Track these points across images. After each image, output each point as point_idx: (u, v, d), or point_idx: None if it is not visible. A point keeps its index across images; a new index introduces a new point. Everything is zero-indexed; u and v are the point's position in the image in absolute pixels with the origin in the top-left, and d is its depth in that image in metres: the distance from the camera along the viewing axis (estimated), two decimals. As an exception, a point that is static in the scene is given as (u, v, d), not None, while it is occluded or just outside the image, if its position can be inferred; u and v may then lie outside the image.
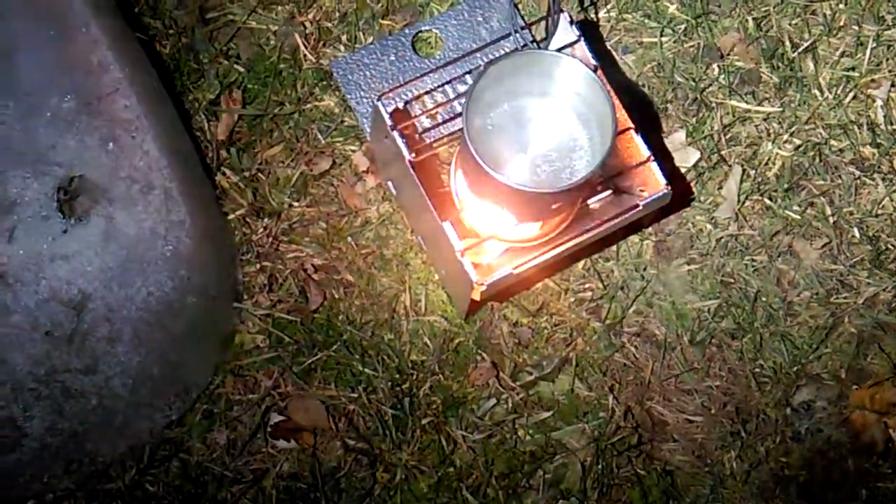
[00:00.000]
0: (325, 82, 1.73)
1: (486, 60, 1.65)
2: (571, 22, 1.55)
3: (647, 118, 1.71)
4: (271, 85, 1.72)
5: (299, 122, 1.72)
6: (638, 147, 1.54)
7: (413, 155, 1.51)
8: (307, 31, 1.75)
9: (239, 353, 1.62)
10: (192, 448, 1.59)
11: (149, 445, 1.57)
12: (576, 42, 1.56)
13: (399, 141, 1.51)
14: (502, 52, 1.65)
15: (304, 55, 1.74)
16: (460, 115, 1.59)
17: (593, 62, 1.54)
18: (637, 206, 1.52)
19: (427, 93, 1.58)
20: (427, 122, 1.60)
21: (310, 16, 1.76)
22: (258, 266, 1.65)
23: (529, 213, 1.50)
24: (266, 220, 1.67)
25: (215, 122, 1.70)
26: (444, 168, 1.63)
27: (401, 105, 1.57)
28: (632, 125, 1.54)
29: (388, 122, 1.52)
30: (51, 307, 1.45)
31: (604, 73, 1.49)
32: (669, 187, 1.52)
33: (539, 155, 1.47)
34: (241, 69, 1.73)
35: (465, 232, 1.55)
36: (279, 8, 1.76)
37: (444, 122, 1.61)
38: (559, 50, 1.54)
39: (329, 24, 1.76)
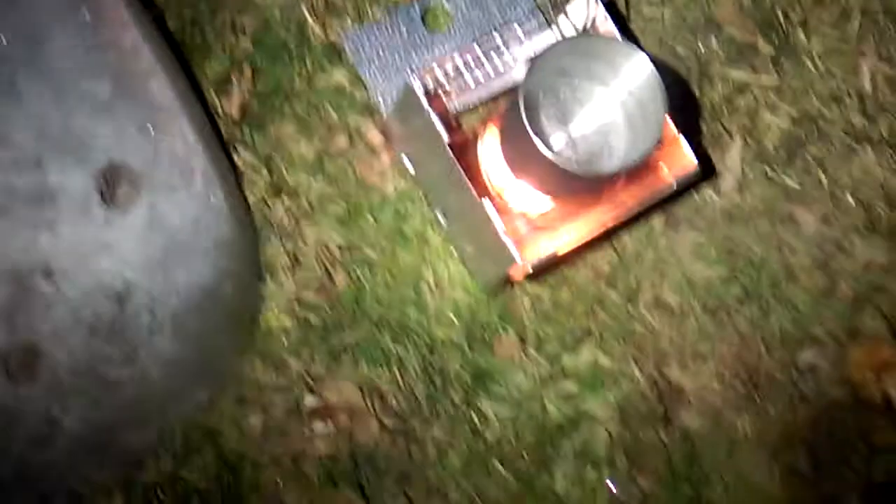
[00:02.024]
0: (335, 58, 1.70)
1: (502, 35, 1.65)
2: (597, -1, 1.57)
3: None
4: (280, 60, 1.69)
5: (311, 99, 1.69)
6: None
7: (449, 136, 1.51)
8: (313, 4, 1.72)
9: (266, 337, 1.60)
10: (226, 434, 1.56)
11: (182, 434, 1.54)
12: (602, 20, 1.57)
13: (437, 121, 1.50)
14: (516, 28, 1.65)
15: (312, 29, 1.71)
16: (494, 93, 1.61)
17: (618, 35, 1.56)
18: (671, 184, 1.55)
19: (456, 70, 1.58)
20: (456, 101, 1.60)
21: (315, -12, 1.73)
22: (280, 247, 1.63)
23: (576, 193, 1.51)
24: (286, 199, 1.65)
25: (227, 99, 1.66)
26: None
27: (431, 84, 1.57)
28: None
29: (425, 103, 1.51)
30: (94, 299, 1.41)
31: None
32: (699, 166, 1.55)
33: (578, 133, 1.49)
34: (249, 44, 1.69)
35: (500, 210, 1.56)
36: (281, -23, 1.73)
37: (479, 101, 1.61)
38: (585, 28, 1.56)
39: (335, -3, 1.73)
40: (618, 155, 1.48)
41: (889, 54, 1.85)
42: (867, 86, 1.84)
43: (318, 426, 1.59)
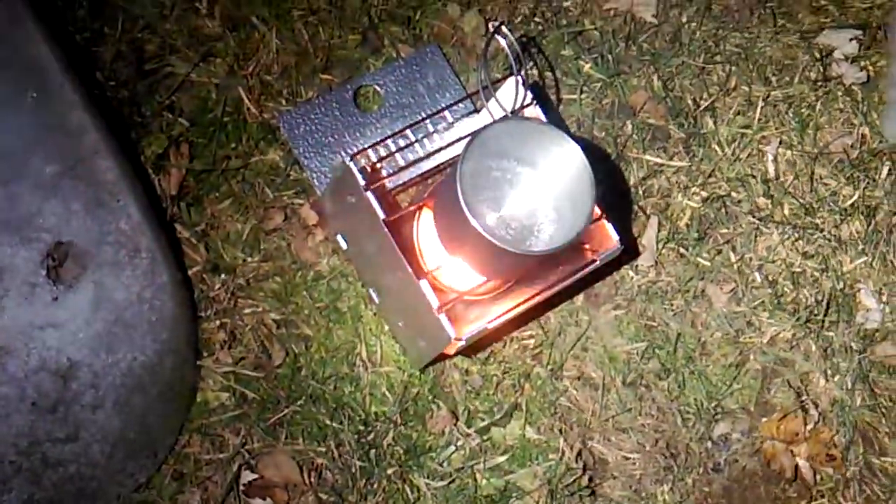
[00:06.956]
0: (269, 136, 1.74)
1: (434, 118, 1.71)
2: (526, 85, 1.64)
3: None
4: (216, 139, 1.72)
5: (246, 176, 1.72)
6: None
7: (385, 215, 1.55)
8: (249, 84, 1.76)
9: (203, 412, 1.62)
10: (164, 511, 1.57)
11: (121, 511, 1.54)
12: (529, 105, 1.65)
13: (373, 201, 1.55)
14: (453, 109, 1.71)
15: (248, 109, 1.75)
16: (425, 173, 1.66)
17: (545, 120, 1.63)
18: (594, 261, 1.63)
19: (395, 152, 1.63)
20: (389, 181, 1.65)
21: (249, 69, 1.77)
22: (217, 323, 1.65)
23: (505, 271, 1.57)
24: (222, 275, 1.67)
25: (165, 176, 1.68)
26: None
27: (368, 165, 1.61)
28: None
29: (362, 182, 1.55)
30: (39, 377, 1.41)
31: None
32: (621, 244, 1.63)
33: (509, 213, 1.55)
34: (185, 122, 1.72)
35: (433, 286, 1.61)
36: (218, 60, 1.76)
37: (410, 181, 1.66)
38: (514, 111, 1.63)
39: (269, 78, 1.77)
40: (546, 235, 1.55)
41: (790, 140, 1.97)
42: (771, 169, 1.95)
43: (257, 502, 1.60)
